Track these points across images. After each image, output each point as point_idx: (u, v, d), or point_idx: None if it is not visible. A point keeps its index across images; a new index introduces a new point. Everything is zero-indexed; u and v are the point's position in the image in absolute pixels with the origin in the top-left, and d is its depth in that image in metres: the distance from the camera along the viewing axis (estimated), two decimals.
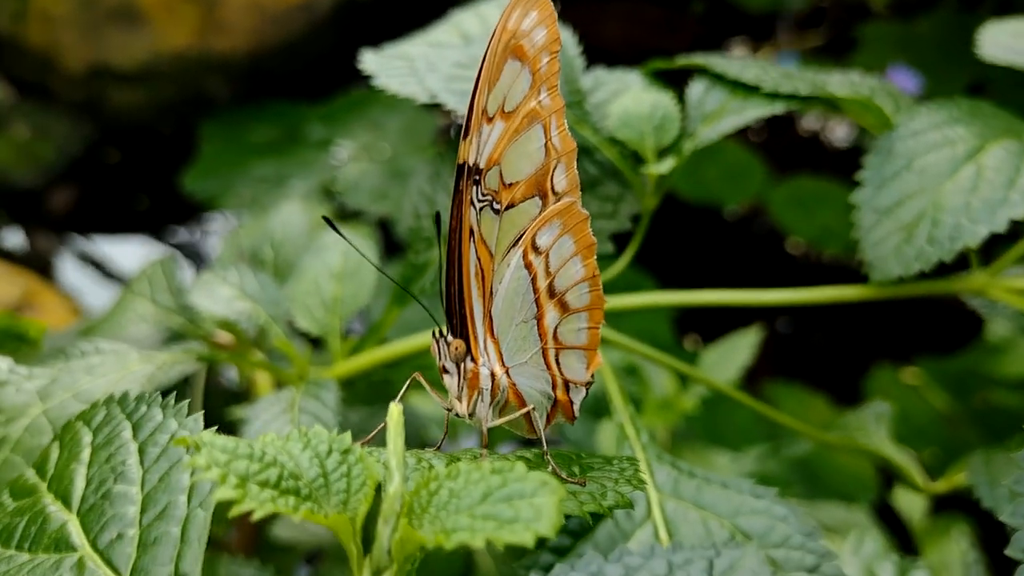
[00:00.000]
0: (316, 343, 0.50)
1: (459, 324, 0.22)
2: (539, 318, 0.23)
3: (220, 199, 1.51)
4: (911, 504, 1.00)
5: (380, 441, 0.24)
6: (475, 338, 0.22)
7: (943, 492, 0.46)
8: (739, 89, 0.41)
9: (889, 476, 0.86)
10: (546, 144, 0.22)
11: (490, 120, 0.21)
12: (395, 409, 0.19)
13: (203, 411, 0.53)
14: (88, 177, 1.50)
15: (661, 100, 0.41)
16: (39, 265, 1.29)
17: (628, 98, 0.41)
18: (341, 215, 1.55)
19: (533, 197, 0.22)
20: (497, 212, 0.22)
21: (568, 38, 0.44)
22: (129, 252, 1.46)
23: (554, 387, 0.23)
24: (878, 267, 0.37)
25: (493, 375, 0.22)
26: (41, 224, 1.36)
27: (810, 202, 1.52)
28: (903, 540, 0.96)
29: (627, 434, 0.35)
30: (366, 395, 0.54)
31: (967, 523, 1.00)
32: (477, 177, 0.21)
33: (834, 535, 0.99)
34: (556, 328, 0.23)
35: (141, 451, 0.23)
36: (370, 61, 0.43)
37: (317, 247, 0.48)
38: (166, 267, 0.60)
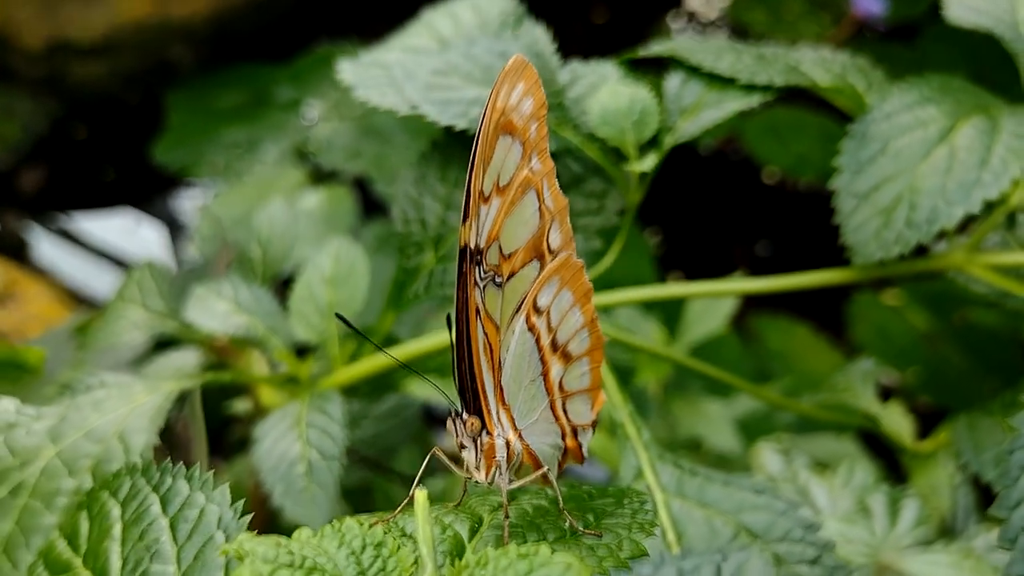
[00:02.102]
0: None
1: (472, 399, 0.23)
2: (545, 374, 0.23)
3: (192, 168, 1.50)
4: (898, 431, 1.02)
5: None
6: (488, 411, 0.23)
7: (929, 450, 0.47)
8: (715, 82, 0.41)
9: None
10: (540, 208, 0.22)
11: (487, 200, 0.22)
12: (420, 496, 0.20)
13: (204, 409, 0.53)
14: (57, 155, 1.49)
15: (639, 94, 0.41)
16: (13, 247, 1.28)
17: (606, 93, 0.42)
18: (316, 176, 1.55)
19: (531, 261, 0.23)
20: (499, 285, 0.22)
21: (542, 36, 0.44)
22: (107, 226, 1.45)
23: (563, 436, 0.24)
24: (859, 251, 0.38)
25: (508, 443, 0.23)
26: (13, 205, 1.35)
27: (784, 131, 1.52)
28: (891, 466, 0.99)
29: (628, 434, 0.36)
30: (364, 388, 0.56)
31: (952, 446, 1.03)
32: (479, 257, 0.22)
33: (825, 467, 1.02)
34: (561, 379, 0.24)
35: (172, 527, 0.24)
36: (347, 71, 0.44)
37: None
38: (154, 271, 0.60)
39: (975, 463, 0.39)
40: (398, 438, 0.62)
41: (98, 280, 1.35)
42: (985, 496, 1.00)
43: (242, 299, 0.47)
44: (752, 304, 1.37)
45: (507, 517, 0.22)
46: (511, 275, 0.22)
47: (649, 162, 0.40)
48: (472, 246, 0.22)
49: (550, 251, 0.23)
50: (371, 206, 1.53)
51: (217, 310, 0.46)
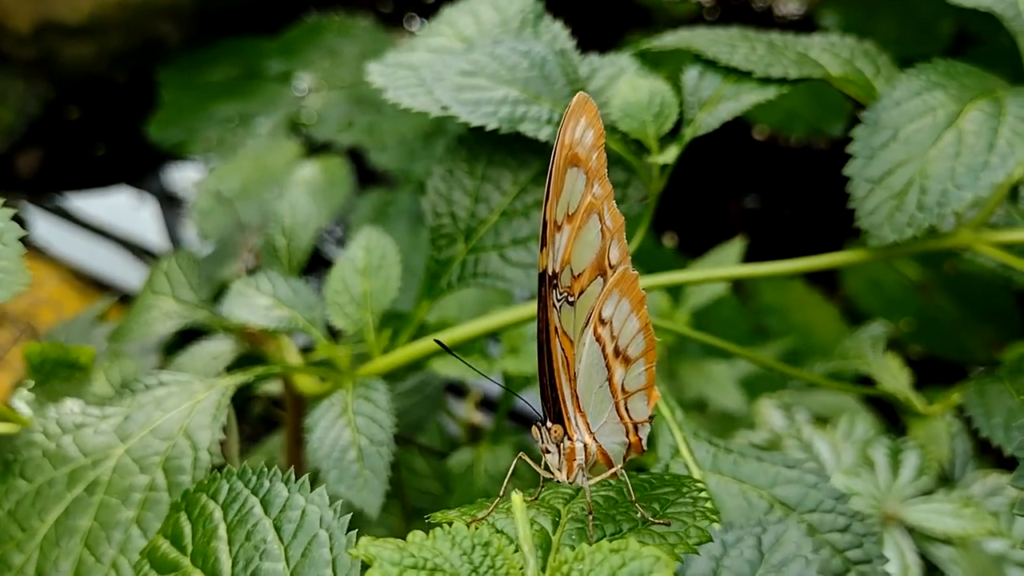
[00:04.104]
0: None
1: (554, 409, 0.25)
2: (610, 379, 0.26)
3: (186, 144, 1.51)
4: (896, 382, 1.05)
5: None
6: (568, 418, 0.25)
7: (939, 412, 0.50)
8: (732, 74, 0.43)
9: None
10: (602, 228, 0.25)
11: (559, 228, 0.24)
12: (517, 499, 0.22)
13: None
14: (52, 137, 1.49)
15: (657, 87, 0.43)
16: None
17: (625, 87, 0.44)
18: (310, 147, 1.56)
19: (596, 278, 0.25)
20: (572, 304, 0.25)
21: (562, 33, 0.46)
22: (104, 206, 1.46)
23: (627, 433, 0.27)
24: (874, 234, 0.40)
25: (585, 445, 0.26)
26: (10, 189, 1.36)
27: None
28: (889, 416, 1.02)
29: (663, 415, 0.39)
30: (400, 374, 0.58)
31: (949, 393, 1.06)
32: (555, 281, 0.24)
33: (825, 421, 1.05)
34: (623, 381, 0.26)
35: (277, 528, 0.26)
36: (376, 73, 0.45)
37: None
38: (183, 262, 0.62)
39: (985, 428, 0.42)
40: (422, 413, 0.65)
41: (99, 260, 1.36)
42: (982, 444, 1.03)
43: (281, 293, 0.49)
44: (745, 258, 1.39)
45: (590, 513, 0.24)
46: (580, 293, 0.25)
47: (670, 154, 0.42)
48: (549, 271, 0.24)
49: (610, 266, 0.25)
50: (366, 176, 1.54)
51: (258, 305, 0.48)
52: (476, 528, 0.22)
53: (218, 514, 0.28)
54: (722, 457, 0.37)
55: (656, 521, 0.25)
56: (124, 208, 1.45)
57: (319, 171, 1.47)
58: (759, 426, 0.82)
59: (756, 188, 1.61)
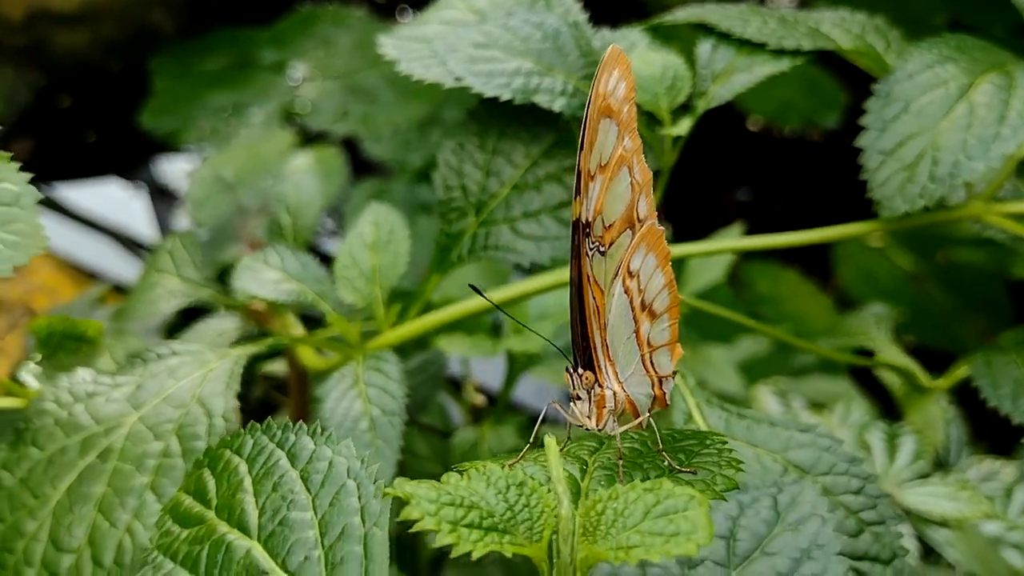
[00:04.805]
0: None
1: (585, 356, 0.25)
2: (636, 331, 0.26)
3: (179, 134, 1.50)
4: (901, 357, 1.06)
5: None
6: (599, 367, 0.26)
7: (945, 387, 0.50)
8: (745, 46, 0.43)
9: None
10: (631, 181, 0.25)
11: (592, 177, 0.24)
12: (551, 441, 0.22)
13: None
14: (43, 126, 1.49)
15: (670, 60, 0.44)
16: None
17: (638, 60, 0.44)
18: (304, 137, 1.55)
19: (626, 230, 0.25)
20: (603, 254, 0.25)
21: (574, 6, 0.46)
22: (95, 196, 1.46)
23: (652, 386, 0.27)
24: (886, 205, 0.40)
25: (615, 393, 0.26)
26: None
27: (767, 78, 1.54)
28: (885, 403, 1.03)
29: (675, 381, 0.39)
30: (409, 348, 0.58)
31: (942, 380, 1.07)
32: (587, 230, 0.24)
33: (821, 406, 1.06)
34: (648, 335, 0.26)
35: (304, 479, 0.26)
36: (389, 46, 0.45)
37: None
38: (186, 241, 0.62)
39: (993, 398, 0.42)
40: (427, 393, 0.65)
41: (89, 251, 1.35)
42: (976, 430, 1.04)
43: (289, 267, 0.49)
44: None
45: (621, 457, 0.25)
46: (611, 244, 0.25)
47: (683, 126, 0.43)
48: (583, 220, 0.24)
49: (639, 220, 0.25)
50: (360, 166, 1.54)
51: (267, 278, 0.48)
52: (510, 470, 0.22)
53: (243, 468, 0.28)
54: (735, 422, 0.37)
55: (682, 469, 0.25)
56: (115, 199, 1.44)
57: (313, 161, 1.46)
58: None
59: (749, 180, 1.61)
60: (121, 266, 1.31)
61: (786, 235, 0.44)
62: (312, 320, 0.61)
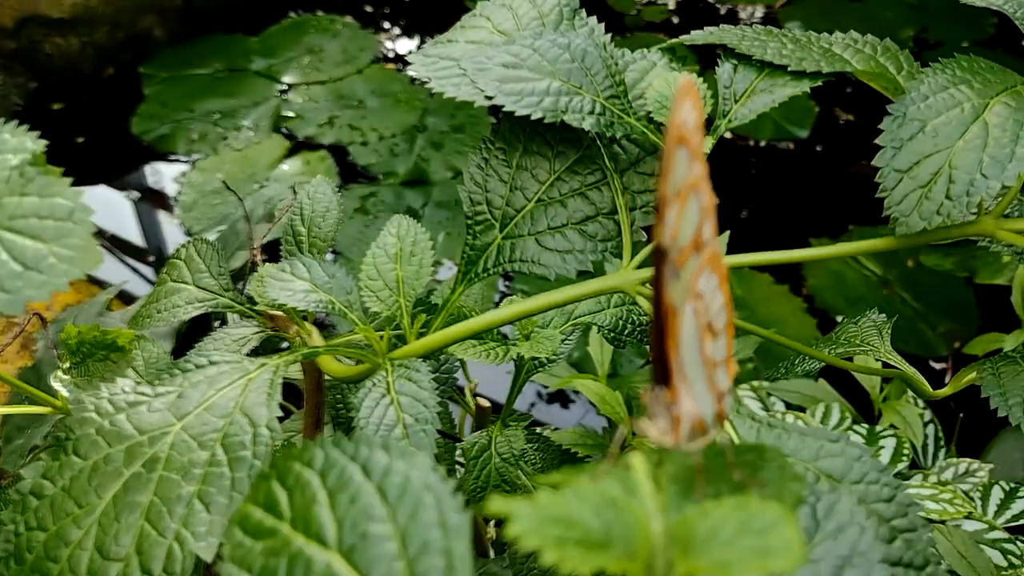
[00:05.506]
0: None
1: (663, 375, 0.27)
2: (702, 349, 0.27)
3: (169, 139, 1.50)
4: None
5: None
6: (675, 385, 0.27)
7: (945, 395, 0.52)
8: (765, 68, 0.45)
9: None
10: (700, 206, 0.26)
11: (668, 204, 0.25)
12: (638, 459, 0.23)
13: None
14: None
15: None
16: None
17: (659, 80, 0.45)
18: (294, 143, 1.56)
19: (693, 254, 0.26)
20: (677, 277, 0.26)
21: (598, 27, 0.47)
22: (87, 200, 1.45)
23: (715, 402, 0.28)
24: (903, 222, 0.42)
25: (689, 411, 0.27)
26: None
27: None
28: (862, 405, 1.05)
29: None
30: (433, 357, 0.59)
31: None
32: (666, 255, 0.26)
33: (801, 409, 1.08)
34: (710, 352, 0.28)
35: (380, 492, 0.27)
36: (418, 65, 0.47)
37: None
38: (201, 250, 0.63)
39: (1004, 408, 0.44)
40: (441, 399, 0.66)
41: None
42: (947, 432, 1.06)
43: (317, 278, 0.49)
44: None
45: (702, 473, 0.26)
46: (682, 267, 0.26)
47: (706, 146, 0.44)
48: (663, 246, 0.26)
49: (704, 242, 0.27)
50: (347, 173, 1.54)
51: (296, 289, 0.49)
52: (599, 487, 0.23)
53: (316, 481, 0.29)
54: (765, 432, 0.39)
55: (752, 483, 0.26)
56: (104, 204, 1.44)
57: (302, 165, 1.47)
58: None
59: (715, 187, 1.64)
60: (113, 271, 1.31)
61: (798, 251, 0.46)
62: (320, 326, 0.62)
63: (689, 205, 0.26)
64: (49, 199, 0.36)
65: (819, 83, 0.45)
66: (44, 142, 0.39)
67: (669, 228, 0.25)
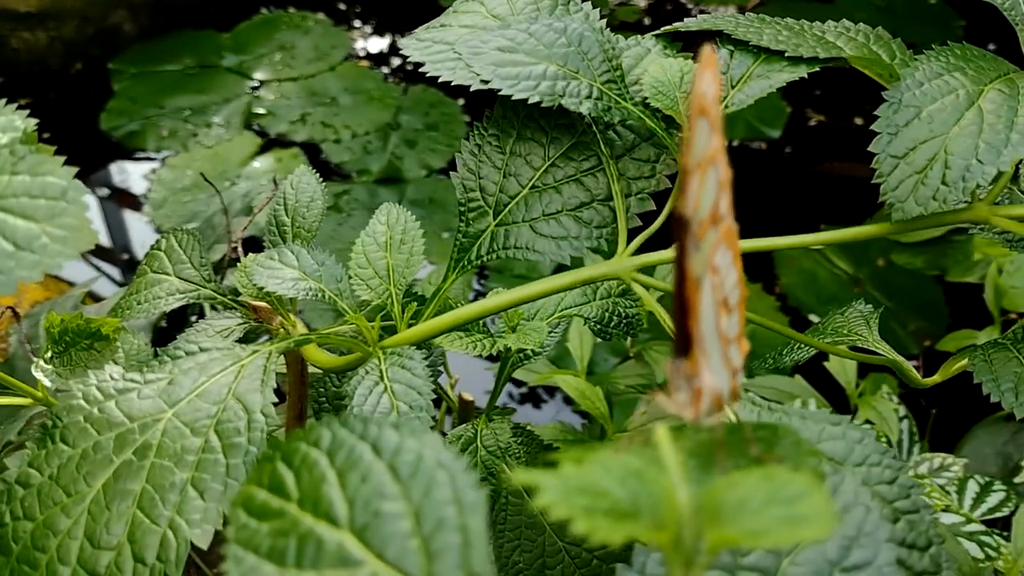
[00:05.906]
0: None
1: (685, 348, 0.27)
2: (718, 324, 0.27)
3: (138, 136, 1.48)
4: (844, 368, 1.09)
5: None
6: (695, 359, 0.27)
7: (934, 383, 0.52)
8: (762, 54, 0.45)
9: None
10: (717, 180, 0.26)
11: (690, 175, 0.25)
12: (663, 430, 0.23)
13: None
14: None
15: (688, 66, 0.45)
16: None
17: (655, 67, 0.45)
18: (264, 141, 1.54)
19: (711, 227, 0.26)
20: (698, 249, 0.26)
21: (593, 12, 0.47)
22: None
23: (729, 378, 0.28)
24: (899, 208, 0.42)
25: (709, 385, 0.27)
26: None
27: None
28: (837, 400, 1.06)
29: None
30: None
31: (892, 380, 1.11)
32: (687, 225, 0.25)
33: (778, 403, 1.08)
34: (725, 328, 0.27)
35: (392, 470, 0.27)
36: (412, 49, 0.46)
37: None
38: (182, 240, 0.62)
39: (996, 394, 0.44)
40: None
41: None
42: (920, 428, 1.07)
43: (306, 266, 0.49)
44: None
45: (722, 446, 0.26)
46: (702, 239, 0.26)
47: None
48: (684, 217, 0.25)
49: (720, 217, 0.26)
50: (320, 170, 1.53)
51: (285, 277, 0.48)
52: (623, 458, 0.23)
53: (324, 461, 0.28)
54: (766, 415, 0.39)
55: (769, 458, 0.26)
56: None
57: (275, 163, 1.46)
58: None
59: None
60: (77, 271, 1.29)
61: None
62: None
63: (708, 177, 0.26)
64: (41, 178, 0.35)
65: (816, 68, 0.45)
66: (34, 120, 0.37)
67: (692, 199, 0.25)
